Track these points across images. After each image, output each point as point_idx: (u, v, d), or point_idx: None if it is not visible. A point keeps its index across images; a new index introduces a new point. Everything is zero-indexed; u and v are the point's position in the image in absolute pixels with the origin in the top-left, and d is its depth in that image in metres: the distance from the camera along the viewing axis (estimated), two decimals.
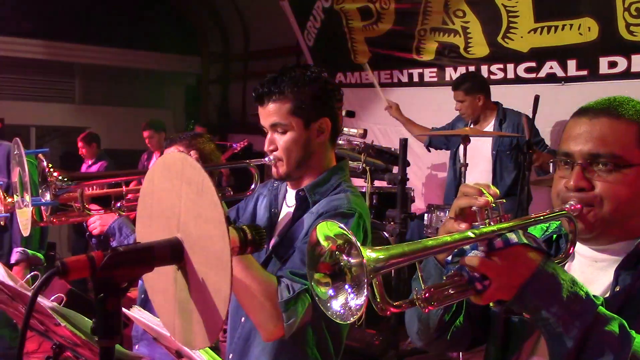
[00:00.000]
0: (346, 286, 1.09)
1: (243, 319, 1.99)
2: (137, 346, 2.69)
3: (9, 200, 2.58)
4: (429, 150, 5.59)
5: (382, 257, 1.05)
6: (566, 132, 1.39)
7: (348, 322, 1.08)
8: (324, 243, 1.11)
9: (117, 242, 2.62)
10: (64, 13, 7.69)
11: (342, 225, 1.08)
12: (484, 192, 1.24)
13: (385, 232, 4.54)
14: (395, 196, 4.43)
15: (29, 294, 1.84)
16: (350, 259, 1.09)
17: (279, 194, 2.10)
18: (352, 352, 4.12)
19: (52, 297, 2.00)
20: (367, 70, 6.27)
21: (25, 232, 2.12)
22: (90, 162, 7.23)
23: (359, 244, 1.04)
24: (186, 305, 1.11)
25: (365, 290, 1.03)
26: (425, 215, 4.57)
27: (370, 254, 1.03)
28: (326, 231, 1.10)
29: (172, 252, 1.09)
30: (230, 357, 2.02)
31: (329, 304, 1.10)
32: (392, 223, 4.37)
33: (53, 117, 8.65)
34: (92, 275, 1.00)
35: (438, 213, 4.44)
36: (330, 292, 1.10)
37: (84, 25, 7.90)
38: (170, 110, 9.66)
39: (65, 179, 1.90)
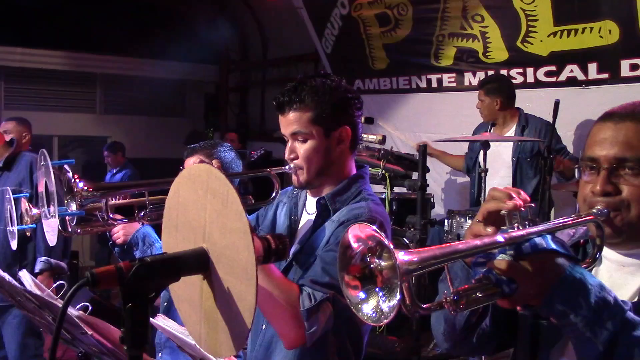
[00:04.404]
0: (377, 289, 1.10)
1: (264, 326, 2.00)
2: (160, 354, 2.72)
3: (35, 211, 2.63)
4: (469, 176, 5.52)
5: (414, 259, 1.06)
6: (591, 137, 1.39)
7: (381, 324, 1.09)
8: (355, 245, 1.12)
9: (140, 251, 2.66)
10: (85, 24, 7.81)
11: (374, 228, 1.09)
12: (514, 196, 1.25)
13: (405, 239, 4.53)
14: (415, 202, 4.42)
15: (56, 302, 1.87)
16: (381, 261, 1.09)
17: (299, 201, 2.11)
18: (373, 359, 4.12)
19: (78, 306, 2.03)
20: None
21: (52, 242, 2.15)
22: (114, 171, 7.34)
23: (391, 246, 1.05)
24: (212, 315, 1.13)
25: (397, 293, 1.04)
26: (446, 221, 4.56)
27: (402, 256, 1.04)
28: (358, 233, 1.11)
29: (198, 262, 1.11)
30: None
31: (360, 307, 1.11)
32: (412, 229, 4.36)
33: (75, 127, 8.77)
34: (120, 286, 1.02)
35: (458, 219, 4.42)
36: (361, 294, 1.11)
37: (104, 36, 8.01)
38: (189, 119, 9.75)
39: (91, 190, 1.92)
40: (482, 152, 4.43)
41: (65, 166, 2.01)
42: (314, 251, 1.92)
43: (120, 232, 2.60)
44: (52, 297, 1.92)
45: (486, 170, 4.29)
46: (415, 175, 4.72)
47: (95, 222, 2.42)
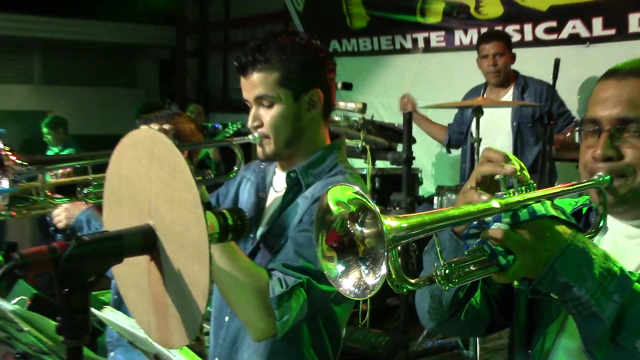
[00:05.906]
0: (359, 260, 1.10)
1: (227, 318, 1.99)
2: (112, 353, 2.72)
3: None
4: (449, 152, 5.53)
5: (403, 225, 1.06)
6: (593, 97, 1.41)
7: (365, 298, 1.09)
8: (334, 209, 1.10)
9: None
10: None
11: (358, 189, 1.08)
12: (511, 158, 1.26)
13: None
14: (400, 178, 4.44)
15: None
16: (364, 228, 1.09)
17: (267, 177, 2.11)
18: (355, 355, 4.14)
19: (14, 300, 2.02)
20: None
21: None
22: (56, 150, 7.27)
23: (377, 210, 1.04)
24: (161, 300, 1.13)
25: (383, 264, 1.03)
26: (435, 198, 4.57)
27: (389, 222, 1.04)
28: (339, 196, 1.10)
29: (143, 241, 1.11)
30: None
31: (340, 281, 1.11)
32: (397, 208, 4.38)
33: (10, 100, 8.66)
34: (54, 268, 1.01)
35: (449, 195, 4.44)
36: (340, 267, 1.11)
37: None
38: (142, 89, 9.65)
39: (25, 163, 1.89)
40: (474, 120, 4.44)
41: None
42: (284, 232, 1.92)
43: (62, 214, 2.56)
44: None
45: (479, 140, 4.30)
46: (400, 148, 4.73)
47: (32, 203, 2.39)
